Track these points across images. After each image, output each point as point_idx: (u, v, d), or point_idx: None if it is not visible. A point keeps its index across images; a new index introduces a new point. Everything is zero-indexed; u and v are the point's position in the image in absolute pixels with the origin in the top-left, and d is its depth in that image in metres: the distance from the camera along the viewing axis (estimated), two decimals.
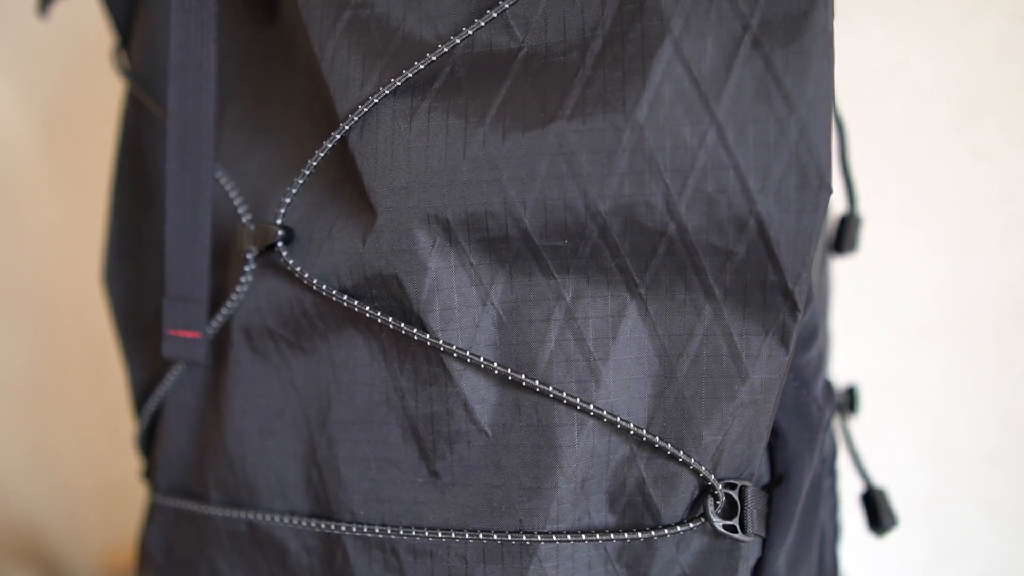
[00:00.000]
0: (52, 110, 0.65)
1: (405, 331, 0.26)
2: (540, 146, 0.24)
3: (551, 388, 0.25)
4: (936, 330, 0.44)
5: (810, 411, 0.29)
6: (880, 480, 0.44)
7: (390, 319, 0.26)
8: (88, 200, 0.67)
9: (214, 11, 0.30)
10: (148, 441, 0.36)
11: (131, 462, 0.68)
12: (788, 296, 0.25)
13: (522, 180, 0.25)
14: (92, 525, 0.75)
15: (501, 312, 0.26)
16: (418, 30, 0.27)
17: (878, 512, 0.35)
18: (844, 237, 0.37)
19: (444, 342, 0.26)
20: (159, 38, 0.35)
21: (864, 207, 0.43)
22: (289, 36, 0.31)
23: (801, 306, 0.25)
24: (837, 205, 0.39)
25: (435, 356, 0.26)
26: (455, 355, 0.26)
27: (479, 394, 0.26)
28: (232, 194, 0.30)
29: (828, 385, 0.31)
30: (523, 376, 0.26)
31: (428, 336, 0.26)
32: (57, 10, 0.58)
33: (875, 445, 0.45)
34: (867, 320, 0.45)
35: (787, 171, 0.24)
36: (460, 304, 0.26)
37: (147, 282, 0.36)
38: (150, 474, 0.36)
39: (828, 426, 0.31)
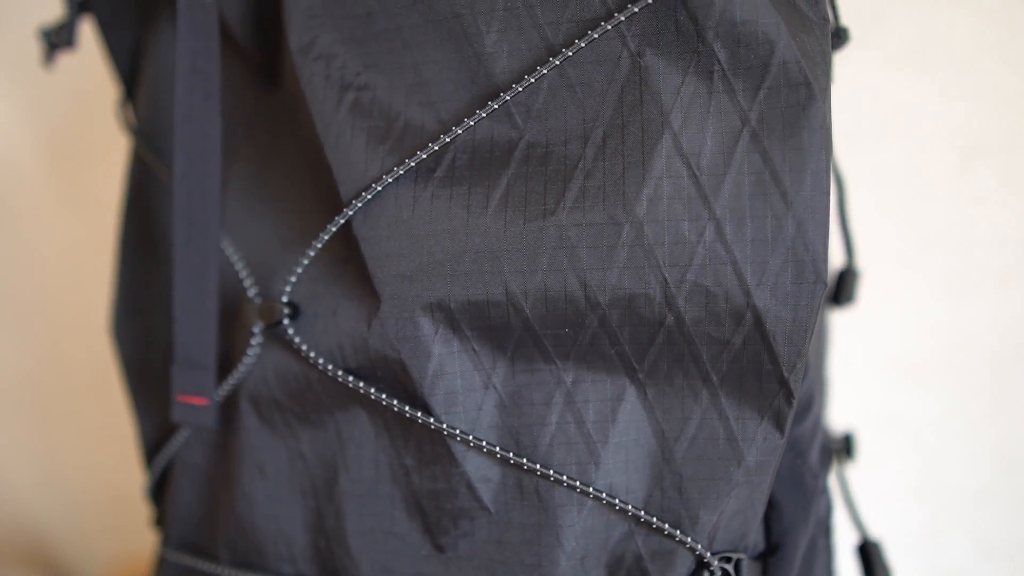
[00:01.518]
0: (56, 126, 0.65)
1: (409, 414, 0.27)
2: (541, 239, 0.25)
3: (552, 471, 0.26)
4: (932, 370, 0.45)
5: (805, 480, 0.30)
6: (876, 515, 0.45)
7: (395, 402, 0.27)
8: (93, 215, 0.68)
9: (219, 84, 0.30)
10: (158, 491, 0.37)
11: (136, 475, 0.69)
12: (783, 384, 0.25)
13: (523, 272, 0.25)
14: (100, 537, 0.76)
15: (503, 395, 0.27)
16: (420, 116, 0.27)
17: (872, 565, 0.35)
18: (842, 290, 0.37)
19: (448, 426, 0.26)
20: (163, 96, 0.35)
21: (863, 249, 0.44)
22: (292, 107, 0.31)
23: (796, 394, 0.25)
24: (835, 258, 0.39)
25: (439, 437, 0.27)
26: (458, 439, 0.26)
27: (482, 473, 0.27)
28: (238, 265, 0.31)
29: (824, 448, 0.32)
30: (524, 460, 0.26)
31: (432, 420, 0.26)
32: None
33: (871, 481, 0.46)
34: (864, 358, 0.46)
35: (784, 266, 0.24)
36: (463, 388, 0.27)
37: (155, 337, 0.36)
38: (160, 523, 0.37)
39: (824, 490, 0.31)
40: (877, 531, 0.45)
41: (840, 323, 0.45)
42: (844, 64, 0.42)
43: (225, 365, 0.31)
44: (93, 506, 0.76)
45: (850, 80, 0.42)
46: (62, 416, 0.75)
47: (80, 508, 0.76)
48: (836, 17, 0.32)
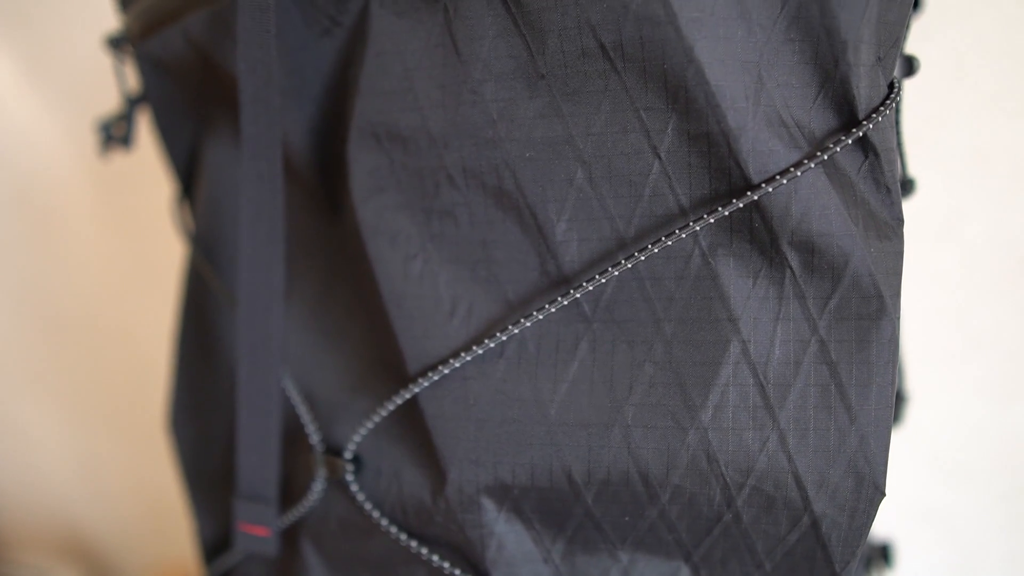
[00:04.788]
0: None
1: None
2: (606, 436, 0.25)
3: None
4: (974, 468, 0.45)
5: None
6: None
7: (457, 572, 0.28)
8: (135, 232, 0.69)
9: (283, 231, 0.30)
10: None
11: (173, 482, 0.71)
12: None
13: (588, 468, 0.26)
14: (140, 539, 0.79)
15: (561, 568, 0.27)
16: (486, 294, 0.27)
17: None
18: None
19: None
20: (223, 210, 0.35)
21: (912, 347, 0.44)
22: (352, 245, 0.31)
23: None
24: None
25: None
26: None
27: None
28: (300, 409, 0.31)
29: None
30: None
31: None
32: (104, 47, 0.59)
33: (911, 574, 0.47)
34: (906, 451, 0.46)
35: (844, 477, 0.25)
36: (523, 560, 0.27)
37: (212, 437, 0.37)
38: None
39: None
40: None
41: None
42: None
43: (286, 493, 0.32)
44: (133, 510, 0.79)
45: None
46: (103, 424, 0.77)
47: (121, 511, 0.79)
48: (904, 167, 0.32)
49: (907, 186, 0.32)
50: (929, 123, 0.41)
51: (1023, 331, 0.42)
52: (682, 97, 0.24)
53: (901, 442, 0.46)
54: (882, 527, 0.46)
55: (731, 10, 0.23)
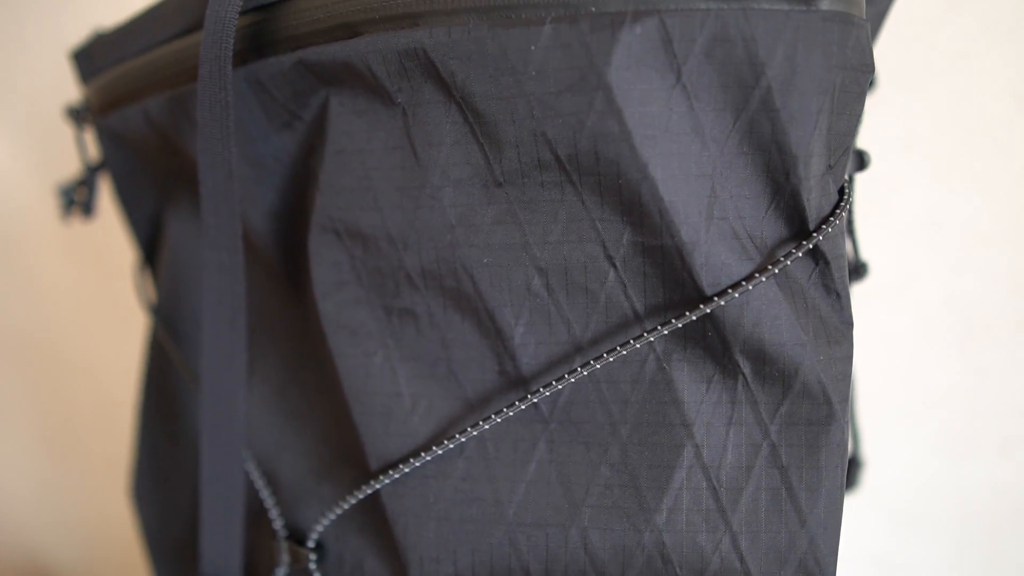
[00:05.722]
0: (65, 179, 0.65)
1: None
2: (564, 537, 0.26)
3: None
4: (929, 521, 0.46)
5: None
6: None
7: None
8: (100, 266, 0.68)
9: (245, 315, 0.30)
10: None
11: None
12: None
13: (545, 567, 0.26)
14: (101, 570, 0.78)
15: None
16: (444, 395, 0.27)
17: None
18: (847, 477, 0.38)
19: None
20: (186, 281, 0.35)
21: (870, 407, 0.45)
22: (313, 330, 0.31)
23: None
24: None
25: None
26: None
27: None
28: (263, 493, 0.31)
29: None
30: None
31: None
32: (69, 75, 0.58)
33: None
34: (864, 506, 0.47)
35: None
36: None
37: (175, 506, 0.37)
38: None
39: None
40: None
41: None
42: (860, 228, 0.42)
43: (250, 574, 0.33)
44: (94, 541, 0.78)
45: (864, 245, 0.42)
46: (65, 455, 0.76)
47: (82, 543, 0.78)
48: (856, 252, 0.32)
49: (860, 270, 0.32)
50: (887, 191, 0.42)
51: (975, 391, 0.43)
52: (636, 211, 0.24)
53: (859, 497, 0.47)
54: None
55: (685, 125, 0.23)
